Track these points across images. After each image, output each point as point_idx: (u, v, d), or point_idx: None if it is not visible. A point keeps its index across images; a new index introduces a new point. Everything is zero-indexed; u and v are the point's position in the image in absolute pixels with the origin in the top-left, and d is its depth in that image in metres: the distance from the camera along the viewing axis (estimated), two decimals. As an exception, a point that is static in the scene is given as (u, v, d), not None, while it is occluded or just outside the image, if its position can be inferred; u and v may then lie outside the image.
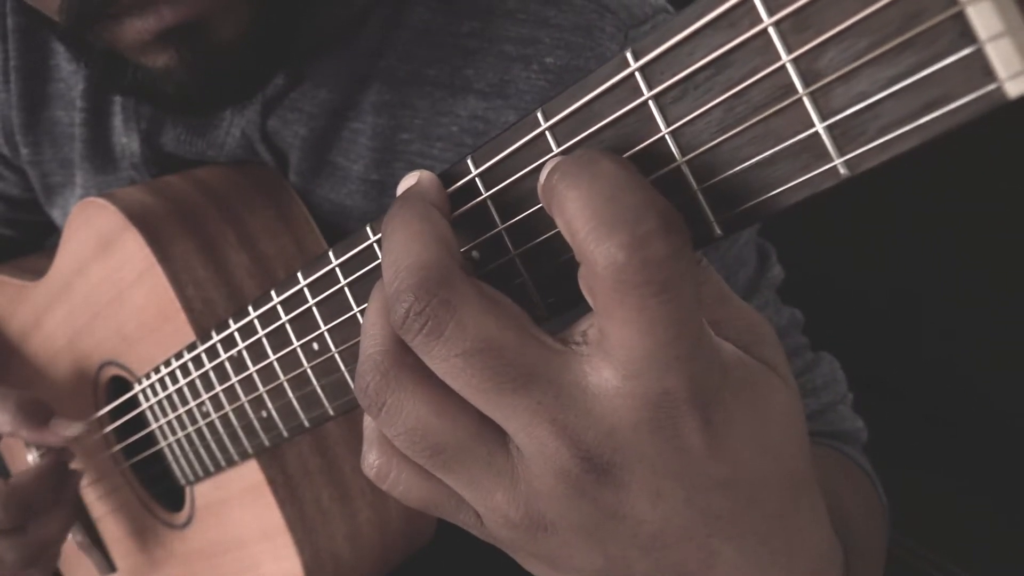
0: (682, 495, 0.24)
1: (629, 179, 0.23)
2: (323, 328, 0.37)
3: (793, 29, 0.21)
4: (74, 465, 0.60)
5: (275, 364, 0.41)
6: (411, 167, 0.51)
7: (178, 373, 0.50)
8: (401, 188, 0.30)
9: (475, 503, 0.27)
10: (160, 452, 0.56)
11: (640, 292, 0.22)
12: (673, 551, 0.25)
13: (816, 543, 0.27)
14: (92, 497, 0.66)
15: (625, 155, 0.25)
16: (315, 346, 0.38)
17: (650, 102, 0.24)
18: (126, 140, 0.59)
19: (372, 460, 0.28)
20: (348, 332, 0.36)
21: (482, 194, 0.29)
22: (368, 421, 0.29)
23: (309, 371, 0.39)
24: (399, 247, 0.26)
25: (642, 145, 0.25)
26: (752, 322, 0.27)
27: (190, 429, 0.51)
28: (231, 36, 0.43)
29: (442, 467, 0.26)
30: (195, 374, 0.48)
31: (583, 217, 0.23)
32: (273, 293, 0.39)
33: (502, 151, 0.28)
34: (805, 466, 0.27)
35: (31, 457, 0.59)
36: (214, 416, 0.48)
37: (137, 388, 0.54)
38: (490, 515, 0.26)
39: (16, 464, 0.71)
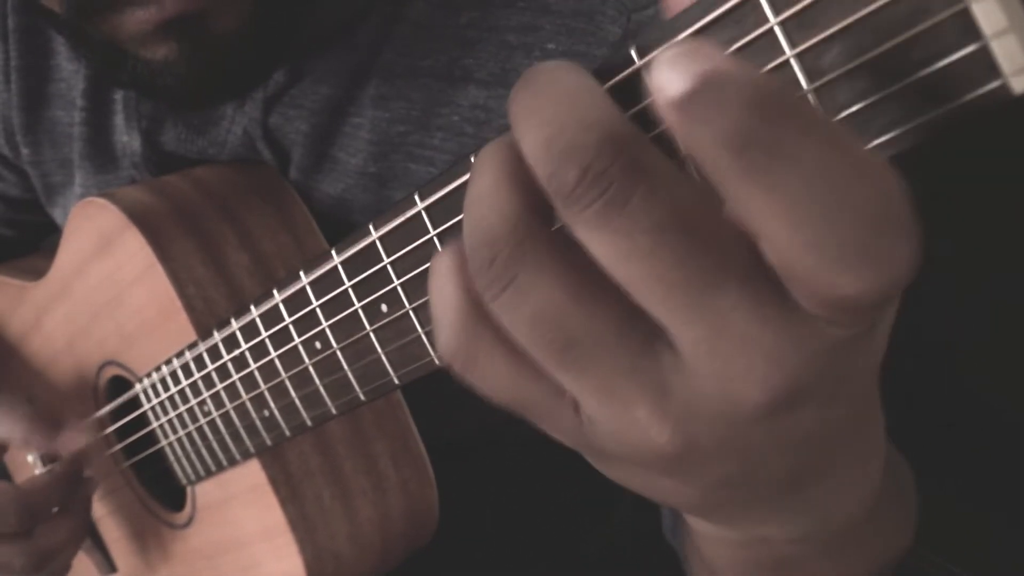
0: (850, 408, 0.23)
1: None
2: (324, 325, 0.37)
3: (798, 26, 0.21)
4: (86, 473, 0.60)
5: (276, 362, 0.41)
6: (410, 159, 0.51)
7: (179, 372, 0.49)
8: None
9: (598, 412, 0.22)
10: (161, 452, 0.56)
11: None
12: (812, 455, 0.24)
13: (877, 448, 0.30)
14: (93, 497, 0.66)
15: None
16: (317, 344, 0.38)
17: (654, 99, 0.24)
18: (127, 139, 0.59)
19: (457, 344, 0.23)
20: (350, 330, 0.36)
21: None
22: (452, 301, 0.23)
23: (311, 369, 0.39)
24: (559, 103, 0.20)
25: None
26: None
27: (191, 428, 0.51)
28: (232, 28, 0.43)
29: (570, 366, 0.21)
30: (196, 373, 0.48)
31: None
32: (275, 291, 0.39)
33: None
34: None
35: (38, 471, 0.59)
36: (215, 415, 0.48)
37: (138, 387, 0.54)
38: (620, 431, 0.22)
39: (19, 474, 0.71)
